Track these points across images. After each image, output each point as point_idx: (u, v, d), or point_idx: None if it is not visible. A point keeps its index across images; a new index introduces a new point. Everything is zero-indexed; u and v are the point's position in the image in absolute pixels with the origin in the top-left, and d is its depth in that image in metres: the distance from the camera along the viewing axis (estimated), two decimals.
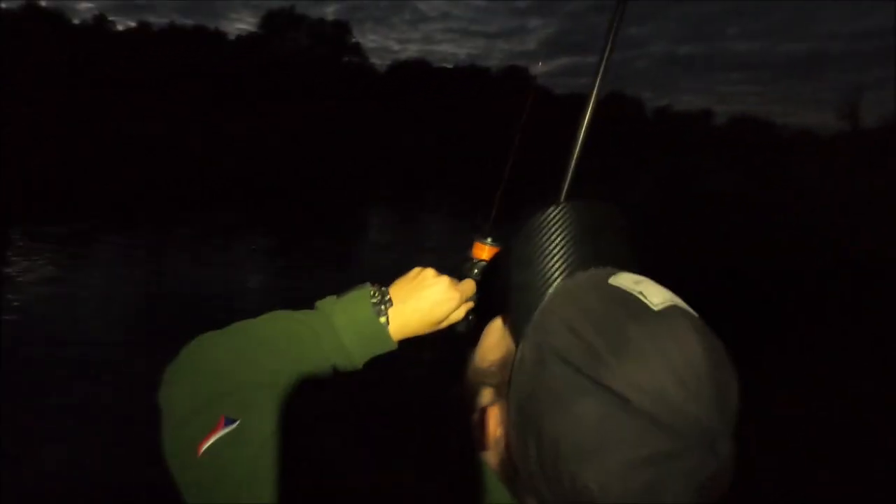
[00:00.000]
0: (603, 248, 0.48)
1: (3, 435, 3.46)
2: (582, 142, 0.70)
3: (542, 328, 0.43)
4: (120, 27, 41.09)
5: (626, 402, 0.36)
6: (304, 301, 0.64)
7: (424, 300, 0.62)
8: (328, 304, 0.60)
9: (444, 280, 0.63)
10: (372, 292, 0.61)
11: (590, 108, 0.70)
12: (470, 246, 0.71)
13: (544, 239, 0.48)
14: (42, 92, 29.39)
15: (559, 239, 0.48)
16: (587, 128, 0.69)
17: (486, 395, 0.49)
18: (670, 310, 0.40)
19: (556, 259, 0.47)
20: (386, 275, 0.72)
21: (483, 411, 0.47)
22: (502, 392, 0.45)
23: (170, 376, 0.54)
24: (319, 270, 7.90)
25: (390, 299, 0.61)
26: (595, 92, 0.69)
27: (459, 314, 0.66)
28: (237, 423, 0.47)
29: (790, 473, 3.15)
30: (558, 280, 0.45)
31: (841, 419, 3.80)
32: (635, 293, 0.41)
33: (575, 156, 0.69)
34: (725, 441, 0.37)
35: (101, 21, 39.13)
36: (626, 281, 0.43)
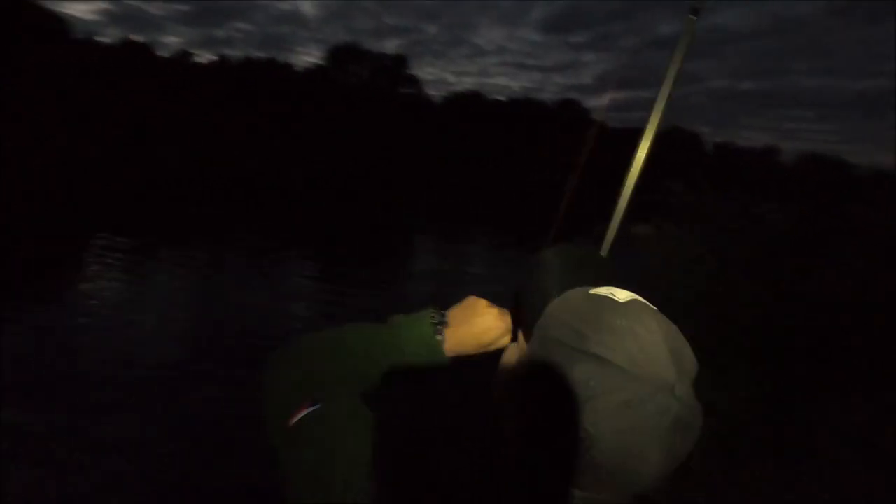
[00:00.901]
0: (584, 275, 0.62)
1: (57, 447, 3.61)
2: (626, 200, 0.80)
3: (543, 326, 0.57)
4: (201, 59, 44.64)
5: (605, 362, 0.49)
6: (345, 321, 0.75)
7: (476, 326, 0.72)
8: (398, 319, 0.72)
9: (494, 311, 0.74)
10: (433, 314, 0.73)
11: (636, 173, 0.78)
12: None
13: (542, 271, 0.65)
14: (120, 123, 32.18)
15: (553, 270, 0.65)
16: (630, 190, 0.79)
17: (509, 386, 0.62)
18: (633, 302, 0.54)
19: (551, 284, 0.62)
20: (426, 302, 0.80)
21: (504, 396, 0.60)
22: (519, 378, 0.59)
23: (273, 364, 0.69)
24: (362, 296, 7.99)
25: (447, 321, 0.73)
26: (641, 161, 0.78)
27: (506, 341, 0.74)
28: (320, 405, 0.61)
29: None
30: (554, 296, 0.60)
31: None
32: (607, 294, 0.55)
33: (622, 209, 0.80)
34: (683, 387, 0.49)
35: (183, 55, 42.75)
36: (601, 290, 0.57)
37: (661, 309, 0.56)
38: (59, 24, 33.51)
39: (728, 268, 4.18)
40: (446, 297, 0.78)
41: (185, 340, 5.86)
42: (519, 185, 32.94)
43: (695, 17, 0.77)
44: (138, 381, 4.68)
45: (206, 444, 3.81)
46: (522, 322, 0.64)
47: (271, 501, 2.96)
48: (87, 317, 6.17)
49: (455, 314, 0.74)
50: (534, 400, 0.54)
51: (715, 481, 2.80)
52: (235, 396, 4.22)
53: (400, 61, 50.76)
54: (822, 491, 2.71)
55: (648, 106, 0.75)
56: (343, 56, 48.82)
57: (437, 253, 13.19)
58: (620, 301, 0.54)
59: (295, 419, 0.59)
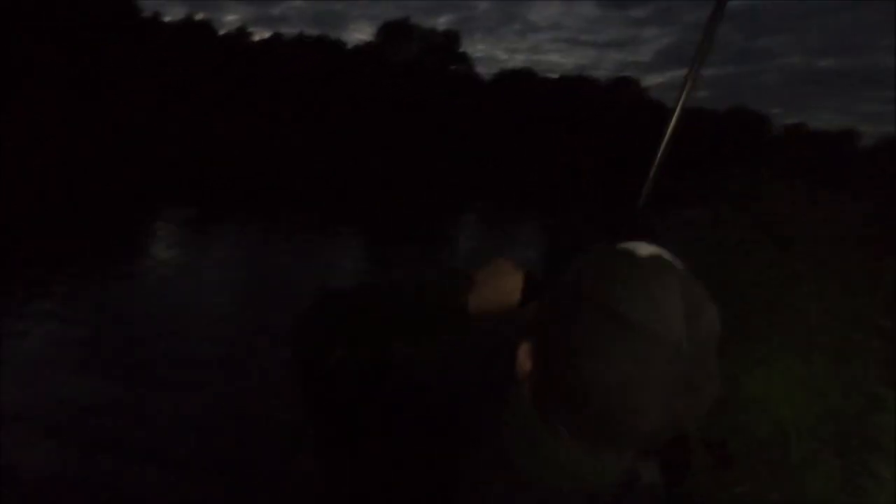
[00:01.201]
0: (613, 237, 0.61)
1: (96, 421, 3.64)
2: (663, 152, 0.80)
3: (563, 279, 0.58)
4: (256, 38, 45.57)
5: (614, 316, 0.49)
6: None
7: (501, 286, 0.72)
8: (435, 277, 0.75)
9: (521, 272, 0.74)
10: (458, 274, 0.75)
11: (672, 124, 0.80)
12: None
13: (570, 233, 0.71)
14: (189, 97, 33.60)
15: (581, 232, 0.69)
16: (669, 138, 0.80)
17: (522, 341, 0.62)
18: (653, 258, 0.53)
19: (577, 244, 0.64)
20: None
21: (518, 352, 0.60)
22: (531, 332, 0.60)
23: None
24: (407, 273, 8.07)
25: (471, 280, 0.73)
26: (679, 108, 0.81)
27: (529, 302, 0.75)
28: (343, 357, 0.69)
29: None
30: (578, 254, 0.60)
31: None
32: (629, 249, 0.55)
33: (655, 164, 0.81)
34: (692, 347, 0.48)
35: (241, 32, 43.87)
36: (625, 245, 0.56)
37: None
38: (129, 7, 35.14)
39: (789, 256, 3.97)
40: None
41: (231, 317, 6.01)
42: (568, 165, 32.01)
43: None
44: (182, 358, 4.74)
45: (244, 423, 3.79)
46: (547, 283, 0.65)
47: (301, 481, 3.00)
48: (139, 291, 6.45)
49: (479, 273, 0.74)
50: (542, 348, 0.56)
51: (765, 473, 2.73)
52: (277, 377, 4.13)
53: (451, 38, 50.05)
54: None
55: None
56: (393, 32, 48.65)
57: (482, 232, 13.13)
58: (641, 256, 0.53)
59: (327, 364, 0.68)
